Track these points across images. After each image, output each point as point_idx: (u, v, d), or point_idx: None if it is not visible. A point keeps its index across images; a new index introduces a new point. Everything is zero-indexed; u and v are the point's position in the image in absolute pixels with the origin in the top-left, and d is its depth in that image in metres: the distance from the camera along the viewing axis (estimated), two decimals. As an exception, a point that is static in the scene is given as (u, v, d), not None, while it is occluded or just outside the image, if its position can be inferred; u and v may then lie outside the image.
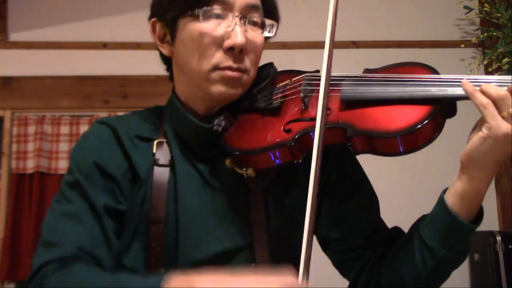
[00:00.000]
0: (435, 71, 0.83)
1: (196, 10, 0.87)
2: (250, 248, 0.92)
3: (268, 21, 0.93)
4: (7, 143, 3.25)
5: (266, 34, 0.93)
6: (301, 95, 0.89)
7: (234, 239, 0.92)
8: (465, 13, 3.30)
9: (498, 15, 3.14)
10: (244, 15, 0.89)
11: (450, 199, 0.82)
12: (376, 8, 3.46)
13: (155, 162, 0.93)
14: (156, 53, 1.00)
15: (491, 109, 0.74)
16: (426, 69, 0.85)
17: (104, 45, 3.38)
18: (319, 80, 0.86)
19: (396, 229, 0.99)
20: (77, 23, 3.40)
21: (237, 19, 0.88)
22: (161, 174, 0.92)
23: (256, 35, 0.92)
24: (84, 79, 3.34)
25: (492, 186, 3.30)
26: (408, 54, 3.35)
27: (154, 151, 0.93)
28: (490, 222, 3.22)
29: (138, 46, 3.30)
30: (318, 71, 0.94)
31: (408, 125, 0.77)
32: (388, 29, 3.43)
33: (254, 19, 0.91)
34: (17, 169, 3.19)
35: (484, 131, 0.75)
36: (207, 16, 0.88)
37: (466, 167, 0.79)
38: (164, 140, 0.95)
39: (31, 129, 3.23)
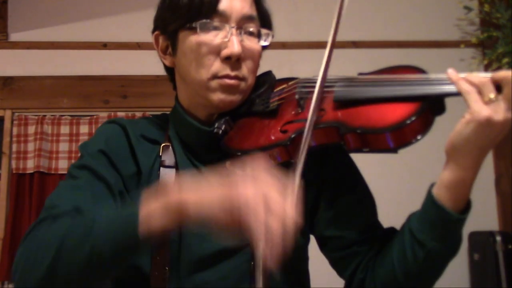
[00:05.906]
0: (423, 71, 0.88)
1: (194, 23, 0.93)
2: (250, 246, 0.91)
3: (263, 31, 0.99)
4: (7, 143, 3.26)
5: (262, 43, 0.99)
6: (296, 97, 0.94)
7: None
8: (465, 13, 3.30)
9: (498, 15, 3.15)
10: (240, 26, 0.95)
11: (437, 191, 0.85)
12: (376, 8, 3.46)
13: (161, 164, 0.97)
14: (156, 53, 1.03)
15: (473, 94, 0.78)
16: (415, 70, 0.90)
17: (104, 45, 3.38)
18: (314, 83, 0.90)
19: (392, 229, 1.01)
20: (77, 23, 3.40)
21: (233, 30, 0.93)
22: (167, 174, 0.97)
23: (253, 44, 0.97)
24: (84, 79, 3.34)
25: (492, 186, 3.30)
26: (408, 54, 3.35)
27: (160, 154, 0.98)
28: (490, 222, 3.22)
29: (138, 46, 3.30)
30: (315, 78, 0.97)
31: (397, 120, 0.81)
32: (388, 29, 3.43)
33: (250, 29, 0.96)
34: (17, 169, 3.19)
35: (467, 116, 0.79)
36: (205, 28, 0.93)
37: (451, 155, 0.83)
38: (169, 144, 1.00)
39: (31, 129, 3.23)
